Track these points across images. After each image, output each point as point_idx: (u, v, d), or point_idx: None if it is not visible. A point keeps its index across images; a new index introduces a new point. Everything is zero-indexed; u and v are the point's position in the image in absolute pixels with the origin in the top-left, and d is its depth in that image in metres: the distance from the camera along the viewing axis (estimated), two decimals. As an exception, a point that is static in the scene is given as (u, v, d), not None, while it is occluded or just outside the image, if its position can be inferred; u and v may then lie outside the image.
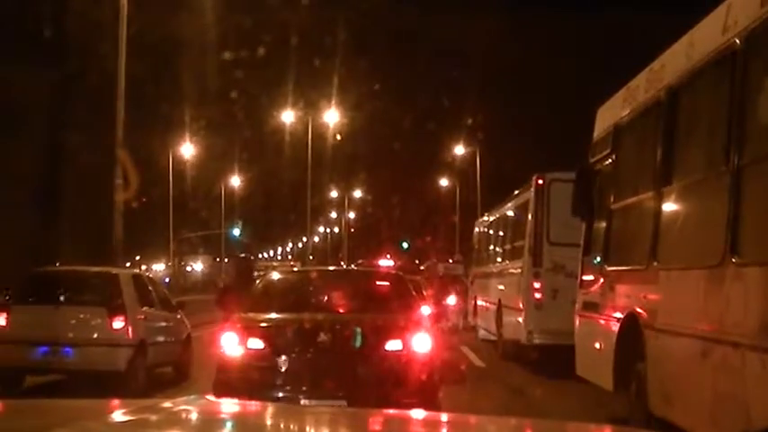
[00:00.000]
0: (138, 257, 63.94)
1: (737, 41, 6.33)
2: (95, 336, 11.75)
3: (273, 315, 9.28)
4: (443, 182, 59.81)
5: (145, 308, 12.77)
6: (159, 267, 61.79)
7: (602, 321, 9.39)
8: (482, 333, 20.72)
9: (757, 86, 6.18)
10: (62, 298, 12.23)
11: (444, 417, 4.10)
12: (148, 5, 28.35)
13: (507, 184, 21.47)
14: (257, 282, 11.20)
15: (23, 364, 11.60)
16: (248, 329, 8.86)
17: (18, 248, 30.44)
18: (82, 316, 12.00)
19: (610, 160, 9.78)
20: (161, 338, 13.19)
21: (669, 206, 7.82)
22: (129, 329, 11.84)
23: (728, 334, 6.09)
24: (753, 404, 5.81)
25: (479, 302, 21.48)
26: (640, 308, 8.07)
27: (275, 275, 11.67)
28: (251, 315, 9.31)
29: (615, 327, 8.71)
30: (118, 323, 11.79)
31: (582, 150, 11.10)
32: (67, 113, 36.62)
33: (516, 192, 17.52)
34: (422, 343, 8.66)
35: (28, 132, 35.01)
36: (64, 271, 14.37)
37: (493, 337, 18.53)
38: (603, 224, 9.93)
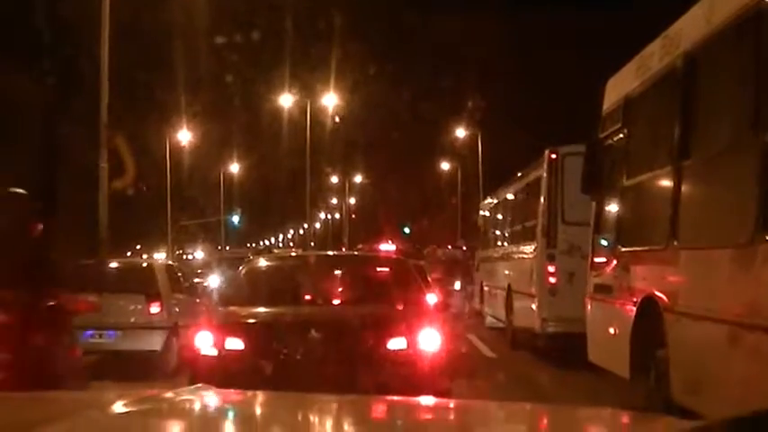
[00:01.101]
0: (138, 246, 63.55)
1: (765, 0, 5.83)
2: (135, 320, 13.08)
3: (257, 309, 8.34)
4: (445, 165, 59.48)
5: (176, 294, 14.12)
6: (161, 256, 61.47)
7: (617, 305, 8.91)
8: (489, 320, 20.08)
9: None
10: (105, 286, 13.27)
11: (452, 403, 3.97)
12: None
13: (509, 167, 21.06)
14: (240, 268, 10.03)
15: None
16: (226, 326, 7.92)
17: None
18: (122, 302, 13.23)
19: (621, 135, 9.27)
20: (190, 321, 14.15)
21: (690, 181, 7.31)
22: (165, 314, 13.23)
23: (760, 318, 5.62)
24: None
25: (486, 288, 20.85)
26: (659, 290, 7.56)
27: (262, 261, 10.65)
28: (231, 309, 8.42)
29: (631, 311, 8.21)
30: (155, 308, 13.17)
31: (585, 132, 10.66)
32: (66, 109, 36.19)
33: (524, 170, 16.75)
34: (430, 340, 7.76)
35: (25, 128, 34.61)
36: (106, 262, 15.84)
37: (501, 325, 17.86)
38: (616, 202, 9.45)
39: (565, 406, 5.05)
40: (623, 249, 8.97)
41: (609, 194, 9.73)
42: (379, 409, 3.28)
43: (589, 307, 10.18)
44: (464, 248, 38.33)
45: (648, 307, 7.75)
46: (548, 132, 21.51)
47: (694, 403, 6.80)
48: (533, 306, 14.35)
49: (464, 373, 11.31)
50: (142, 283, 13.46)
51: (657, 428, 2.85)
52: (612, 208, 9.64)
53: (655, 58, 8.22)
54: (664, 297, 7.43)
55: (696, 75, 7.24)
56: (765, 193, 5.71)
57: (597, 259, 10.02)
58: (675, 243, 7.32)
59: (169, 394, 3.14)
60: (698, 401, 6.76)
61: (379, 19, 42.36)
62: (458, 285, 25.80)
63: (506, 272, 17.76)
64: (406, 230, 61.35)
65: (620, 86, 9.45)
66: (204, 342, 7.75)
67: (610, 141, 9.69)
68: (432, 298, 11.08)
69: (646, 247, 8.32)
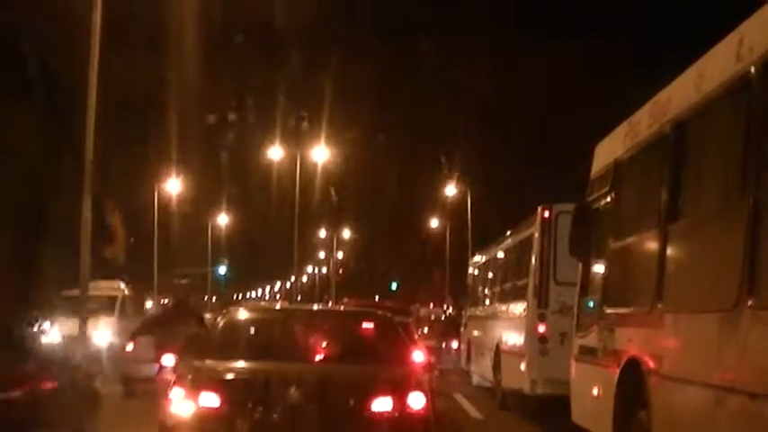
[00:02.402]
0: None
1: (753, 70, 5.93)
2: None
3: (233, 364, 7.93)
4: (434, 223, 59.47)
5: None
6: (148, 305, 61.18)
7: (601, 366, 8.93)
8: (476, 379, 19.92)
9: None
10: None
11: None
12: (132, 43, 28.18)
13: (498, 227, 21.11)
14: (217, 320, 9.58)
15: (142, 376, 15.85)
16: (200, 382, 7.51)
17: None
18: None
19: (609, 198, 9.36)
20: None
21: (676, 245, 7.37)
22: None
23: (746, 383, 5.64)
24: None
25: (474, 346, 20.70)
26: (643, 353, 7.60)
27: (242, 313, 10.12)
28: (207, 363, 7.98)
29: (615, 372, 8.23)
30: None
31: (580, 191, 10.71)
32: (54, 146, 36.15)
33: (515, 227, 16.70)
34: (415, 401, 7.44)
35: (11, 164, 34.51)
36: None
37: (488, 384, 17.73)
38: (602, 264, 9.51)
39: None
40: (608, 311, 9.00)
41: (595, 256, 9.79)
42: None
43: (574, 368, 10.18)
44: (446, 308, 38.12)
45: (632, 369, 7.77)
46: (540, 191, 21.58)
47: (676, 467, 6.82)
48: (522, 366, 14.12)
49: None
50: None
51: None
52: (598, 270, 9.68)
53: (643, 124, 8.33)
54: (647, 359, 7.45)
55: (684, 141, 7.32)
56: (750, 257, 5.76)
57: (583, 320, 10.06)
58: (660, 306, 7.36)
59: None
60: (680, 465, 6.77)
61: (370, 70, 42.50)
62: (455, 345, 25.77)
63: (495, 331, 17.48)
64: (393, 287, 61.27)
65: (608, 151, 9.56)
66: (176, 398, 7.34)
67: (597, 204, 9.78)
68: (418, 356, 10.92)
69: (630, 309, 8.35)
